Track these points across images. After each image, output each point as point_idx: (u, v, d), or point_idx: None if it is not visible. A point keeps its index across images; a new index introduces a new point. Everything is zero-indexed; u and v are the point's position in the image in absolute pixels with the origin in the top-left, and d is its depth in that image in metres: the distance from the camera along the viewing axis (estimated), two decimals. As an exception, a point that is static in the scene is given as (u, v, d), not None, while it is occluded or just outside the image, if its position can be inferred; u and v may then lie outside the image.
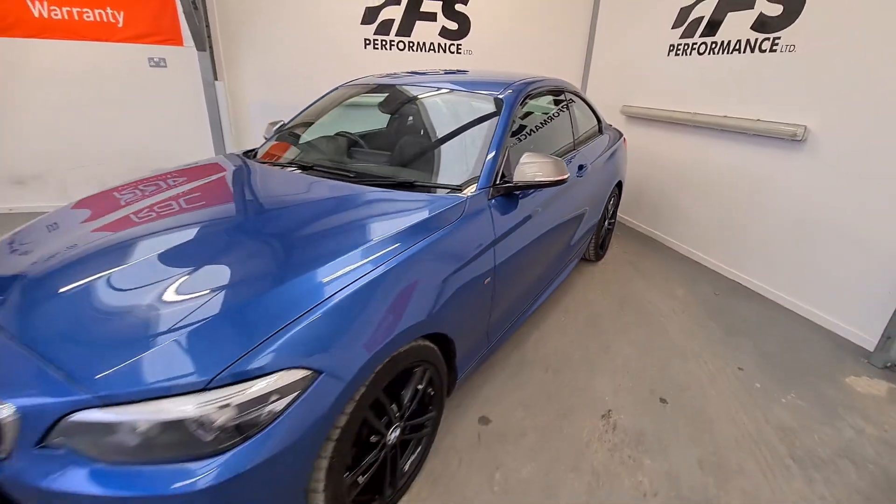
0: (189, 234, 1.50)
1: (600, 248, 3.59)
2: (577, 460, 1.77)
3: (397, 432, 1.43)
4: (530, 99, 2.38)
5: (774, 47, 3.04)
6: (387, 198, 1.74)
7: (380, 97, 2.61)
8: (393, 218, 1.58)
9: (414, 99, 2.51)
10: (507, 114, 2.06)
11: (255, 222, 1.63)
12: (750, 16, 3.20)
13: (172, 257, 1.37)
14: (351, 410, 1.19)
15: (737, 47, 3.32)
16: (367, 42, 4.61)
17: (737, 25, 3.31)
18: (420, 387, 1.50)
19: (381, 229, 1.48)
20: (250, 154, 2.39)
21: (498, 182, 1.86)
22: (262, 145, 2.50)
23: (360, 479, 1.33)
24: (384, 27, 4.59)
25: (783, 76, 3.00)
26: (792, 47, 2.93)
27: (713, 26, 3.51)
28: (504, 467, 1.72)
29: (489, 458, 1.75)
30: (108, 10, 3.76)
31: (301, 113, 2.66)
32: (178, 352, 1.04)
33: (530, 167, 1.82)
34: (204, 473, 0.97)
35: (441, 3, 4.62)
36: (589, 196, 2.86)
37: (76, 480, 0.96)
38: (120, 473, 0.97)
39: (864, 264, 2.60)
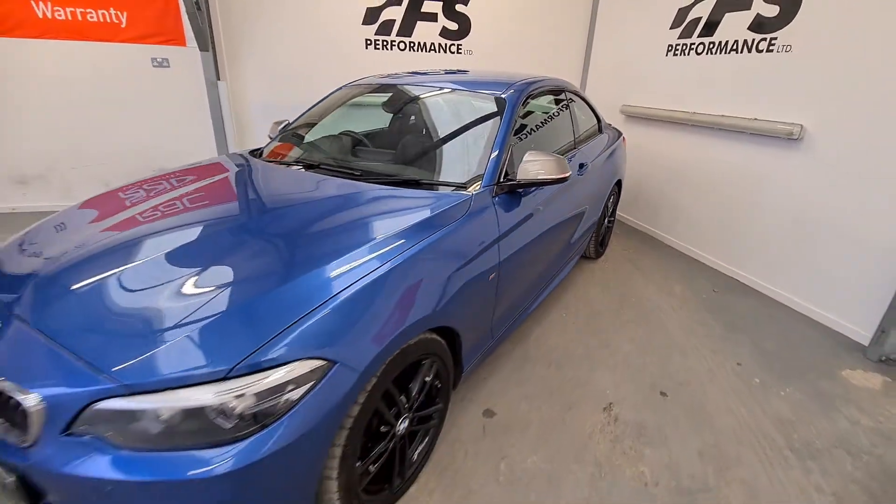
0: (203, 231, 1.54)
1: (600, 246, 3.64)
2: (580, 451, 1.81)
3: (406, 423, 1.47)
4: (532, 98, 2.42)
5: (771, 47, 3.09)
6: (394, 195, 1.77)
7: (384, 97, 2.64)
8: (401, 215, 1.62)
9: (418, 99, 2.55)
10: (509, 113, 2.10)
11: (267, 219, 1.67)
12: (747, 16, 3.25)
13: (188, 253, 1.40)
14: (363, 400, 1.23)
15: (734, 47, 3.37)
16: (369, 42, 4.64)
17: (734, 26, 3.36)
18: (428, 379, 1.53)
19: (389, 226, 1.51)
20: (256, 153, 2.43)
21: (501, 180, 1.89)
22: (267, 144, 2.53)
23: (371, 468, 1.37)
24: (385, 27, 4.62)
25: (780, 76, 3.05)
26: (788, 47, 2.98)
27: (711, 27, 3.56)
28: (509, 458, 1.76)
29: (494, 450, 1.79)
30: (112, 11, 3.78)
31: (306, 113, 2.69)
32: (198, 343, 1.07)
33: (533, 165, 1.86)
34: (223, 460, 1.00)
35: (442, 3, 4.66)
36: (589, 194, 2.90)
37: (100, 466, 0.99)
38: (142, 459, 1.01)
39: (859, 261, 2.65)
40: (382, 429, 1.39)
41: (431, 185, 1.87)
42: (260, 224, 1.63)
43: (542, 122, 2.63)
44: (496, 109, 2.14)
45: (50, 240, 1.60)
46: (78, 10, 3.71)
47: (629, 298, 3.10)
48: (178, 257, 1.38)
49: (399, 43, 4.72)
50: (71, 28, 3.75)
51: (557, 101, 2.87)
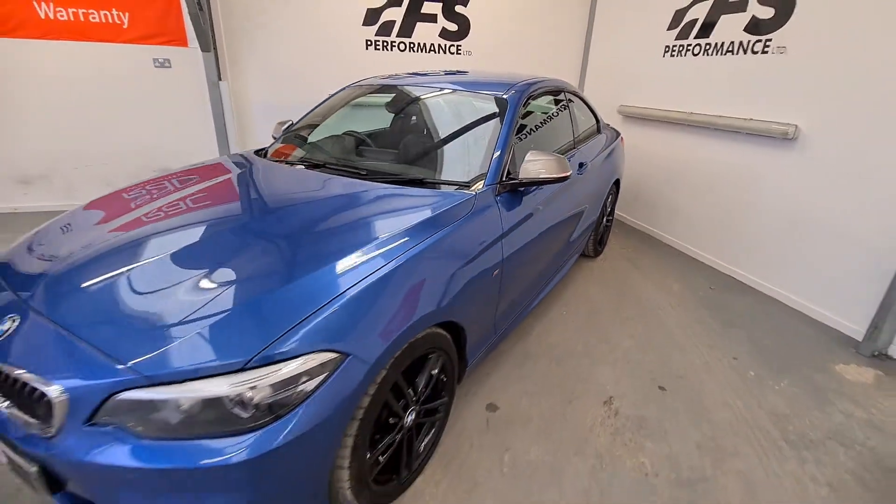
0: (215, 228, 1.57)
1: (599, 245, 3.69)
2: (582, 444, 1.86)
3: (413, 415, 1.51)
4: (532, 99, 2.46)
5: (766, 49, 3.15)
6: (400, 194, 1.81)
7: (388, 98, 2.68)
8: (408, 213, 1.66)
9: (422, 100, 2.59)
10: (511, 113, 2.14)
11: (278, 217, 1.70)
12: (743, 18, 3.31)
13: (202, 251, 1.44)
14: (373, 392, 1.27)
15: (730, 49, 3.43)
16: (369, 43, 4.68)
17: (730, 28, 3.42)
18: (434, 372, 1.57)
19: (397, 224, 1.55)
20: (261, 153, 2.46)
21: (504, 179, 1.94)
22: (271, 144, 2.56)
23: (381, 459, 1.41)
24: (385, 28, 4.66)
25: (775, 77, 3.11)
26: (783, 49, 3.04)
27: (707, 28, 3.62)
28: (512, 450, 1.80)
29: (498, 442, 1.84)
30: (114, 12, 3.81)
31: (309, 113, 2.73)
32: (215, 336, 1.11)
33: (535, 164, 1.90)
34: (240, 448, 1.04)
35: (441, 4, 4.71)
36: (588, 193, 2.95)
37: (121, 455, 1.03)
38: (162, 448, 1.04)
39: (852, 259, 2.71)
40: (391, 421, 1.43)
41: (436, 185, 1.91)
42: (271, 222, 1.66)
43: (541, 122, 2.68)
44: (498, 110, 2.18)
45: (68, 238, 1.62)
46: (80, 11, 3.73)
47: (628, 296, 3.15)
48: (193, 254, 1.42)
49: (399, 44, 4.76)
50: (73, 29, 3.77)
51: (557, 102, 2.92)
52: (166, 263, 1.37)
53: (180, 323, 1.14)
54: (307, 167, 2.16)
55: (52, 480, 1.12)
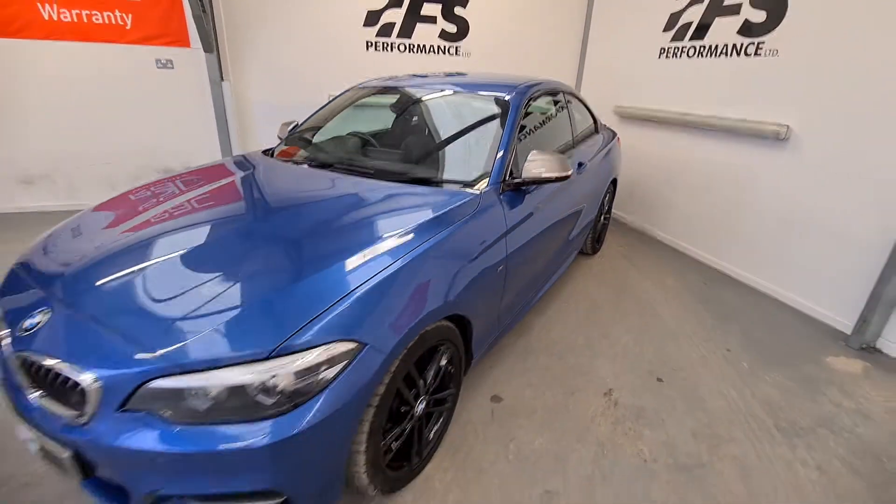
0: (237, 225, 1.65)
1: (597, 242, 3.77)
2: (584, 433, 1.93)
3: (423, 404, 1.58)
4: (533, 100, 2.53)
5: (759, 51, 3.24)
6: (409, 192, 1.88)
7: (393, 99, 2.75)
8: (417, 211, 1.72)
9: (427, 101, 2.65)
10: (514, 114, 2.21)
11: (295, 215, 1.76)
12: (736, 21, 3.40)
13: (226, 246, 1.50)
14: (388, 381, 1.33)
15: (724, 51, 3.52)
16: (369, 44, 4.73)
17: (724, 30, 3.50)
18: (443, 363, 1.64)
19: (408, 220, 1.62)
20: (269, 153, 2.51)
21: (507, 178, 2.01)
22: (278, 144, 2.62)
23: (393, 445, 1.48)
24: (386, 30, 4.71)
25: (767, 79, 3.20)
26: (775, 52, 3.13)
27: (701, 30, 3.71)
28: (517, 439, 1.87)
29: (503, 432, 1.91)
30: (117, 13, 3.84)
31: (314, 114, 2.78)
32: (242, 326, 1.17)
33: (537, 164, 1.97)
34: (264, 433, 1.10)
35: (441, 6, 4.77)
36: (587, 192, 3.02)
37: (151, 440, 1.09)
38: (190, 433, 1.10)
39: (842, 256, 2.80)
40: (403, 409, 1.50)
41: (442, 184, 1.97)
42: (289, 219, 1.72)
43: (541, 123, 2.75)
44: (501, 111, 2.25)
45: (95, 230, 1.67)
46: (84, 12, 3.77)
47: (625, 292, 3.23)
48: (215, 250, 1.48)
49: (399, 45, 4.82)
50: (76, 29, 3.80)
51: (556, 103, 2.99)
52: (190, 259, 1.43)
53: (206, 315, 1.20)
54: (316, 167, 2.21)
55: (83, 466, 1.18)
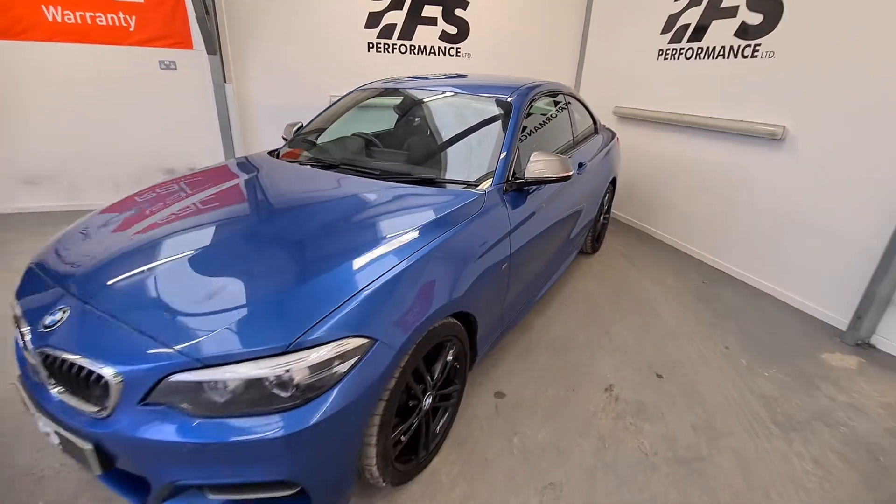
0: (249, 224, 1.69)
1: (596, 242, 3.82)
2: (586, 427, 1.98)
3: (430, 399, 1.62)
4: (534, 102, 2.58)
5: (756, 53, 3.29)
6: (415, 192, 1.92)
7: (395, 100, 2.79)
8: (423, 210, 1.77)
9: (431, 103, 2.69)
10: (516, 115, 2.26)
11: (305, 214, 1.80)
12: (733, 23, 3.45)
13: (240, 245, 1.54)
14: (398, 375, 1.37)
15: (721, 53, 3.57)
16: (371, 45, 4.77)
17: (721, 32, 3.56)
18: (449, 359, 1.68)
19: (415, 220, 1.66)
20: (274, 154, 2.55)
21: (510, 178, 2.05)
22: (283, 146, 2.66)
23: (402, 438, 1.52)
24: (387, 31, 4.75)
25: (764, 80, 3.25)
26: (771, 53, 3.18)
27: (699, 32, 3.76)
28: (521, 434, 1.92)
29: (507, 426, 1.95)
30: (121, 15, 3.87)
31: (318, 116, 2.82)
32: (258, 322, 1.21)
33: (539, 164, 2.02)
34: (280, 425, 1.14)
35: (441, 8, 4.81)
36: (587, 192, 3.07)
37: (170, 431, 1.13)
38: (209, 425, 1.14)
39: (837, 254, 2.86)
40: (411, 404, 1.54)
41: (447, 184, 2.01)
42: (298, 219, 1.76)
43: (542, 124, 2.79)
44: (503, 112, 2.30)
45: (107, 234, 1.69)
46: (87, 14, 3.79)
47: (625, 290, 3.28)
48: (231, 249, 1.52)
49: (400, 46, 4.86)
50: (80, 31, 3.82)
51: (556, 104, 3.03)
52: (205, 259, 1.47)
53: (222, 312, 1.24)
54: (321, 168, 2.25)
55: (104, 458, 1.21)
